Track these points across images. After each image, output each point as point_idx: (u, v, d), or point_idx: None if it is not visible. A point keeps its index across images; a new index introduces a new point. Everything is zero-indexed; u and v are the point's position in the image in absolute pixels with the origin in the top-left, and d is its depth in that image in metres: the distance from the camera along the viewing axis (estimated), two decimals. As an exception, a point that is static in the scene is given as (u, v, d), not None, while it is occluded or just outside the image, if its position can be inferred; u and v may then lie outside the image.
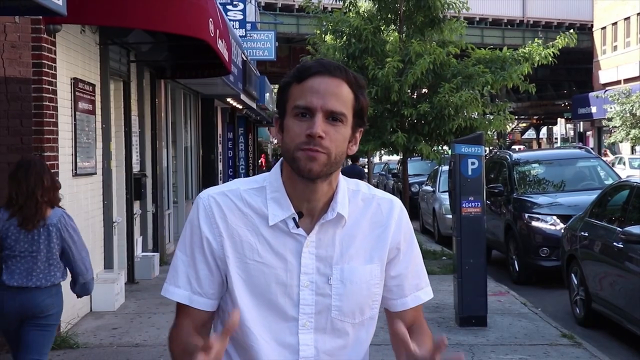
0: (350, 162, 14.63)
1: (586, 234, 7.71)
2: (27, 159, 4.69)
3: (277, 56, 25.53)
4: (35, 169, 4.41)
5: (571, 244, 8.08)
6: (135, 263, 9.71)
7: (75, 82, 7.52)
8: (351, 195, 1.74)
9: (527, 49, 11.51)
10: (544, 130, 66.81)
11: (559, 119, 45.00)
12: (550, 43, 11.52)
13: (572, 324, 7.74)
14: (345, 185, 1.75)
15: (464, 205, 7.35)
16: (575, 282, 7.88)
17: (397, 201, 1.82)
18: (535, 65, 11.39)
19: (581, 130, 41.99)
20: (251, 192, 1.72)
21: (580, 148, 13.62)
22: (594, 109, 36.38)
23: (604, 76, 37.63)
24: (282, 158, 1.71)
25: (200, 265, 1.72)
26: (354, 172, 17.29)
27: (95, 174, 8.25)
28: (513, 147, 48.77)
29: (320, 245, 1.70)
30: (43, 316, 4.35)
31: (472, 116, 11.19)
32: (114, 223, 8.90)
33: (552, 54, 11.28)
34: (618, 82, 34.57)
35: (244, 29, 21.80)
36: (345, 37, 11.65)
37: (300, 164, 1.62)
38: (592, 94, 36.78)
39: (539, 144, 63.16)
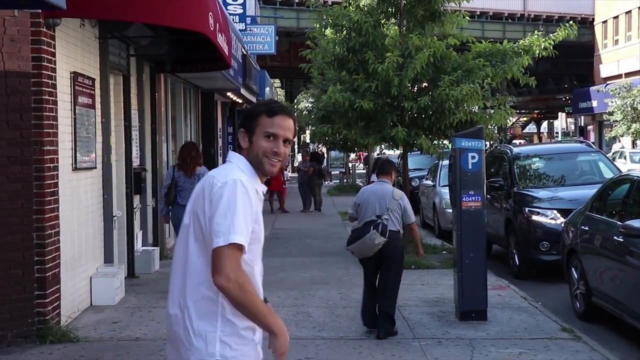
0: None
1: (586, 228, 7.70)
2: (185, 142, 10.92)
3: (277, 50, 25.48)
4: (188, 147, 9.52)
5: (571, 238, 8.07)
6: (135, 257, 9.70)
7: (75, 76, 7.50)
8: None
9: (527, 41, 11.47)
10: (544, 124, 66.75)
11: (559, 113, 44.91)
12: (550, 35, 11.47)
13: (572, 318, 7.74)
14: None
15: (464, 199, 7.34)
16: (576, 276, 7.88)
17: None
18: (536, 57, 11.35)
19: (582, 124, 41.92)
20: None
21: (581, 142, 13.58)
22: (595, 103, 36.31)
23: (605, 70, 37.56)
24: (235, 154, 2.83)
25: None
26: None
27: (95, 168, 8.24)
28: (514, 141, 48.71)
29: None
30: None
31: (473, 110, 11.15)
32: (114, 217, 8.89)
33: (552, 45, 11.23)
34: (619, 76, 34.51)
35: (243, 23, 21.72)
36: (345, 31, 11.61)
37: (266, 167, 2.80)
38: (593, 88, 36.70)
39: (540, 138, 63.10)
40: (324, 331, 6.96)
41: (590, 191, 9.84)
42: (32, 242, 6.51)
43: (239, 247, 2.58)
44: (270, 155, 2.76)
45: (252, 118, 2.80)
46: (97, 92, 8.39)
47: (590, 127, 40.29)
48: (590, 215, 7.82)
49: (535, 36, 11.48)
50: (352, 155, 33.08)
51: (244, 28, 21.51)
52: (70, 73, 7.42)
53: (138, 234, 10.17)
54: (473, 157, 7.37)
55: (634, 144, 32.57)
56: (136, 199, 10.16)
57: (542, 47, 11.26)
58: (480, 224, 7.41)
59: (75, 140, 7.46)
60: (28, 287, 6.50)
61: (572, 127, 50.77)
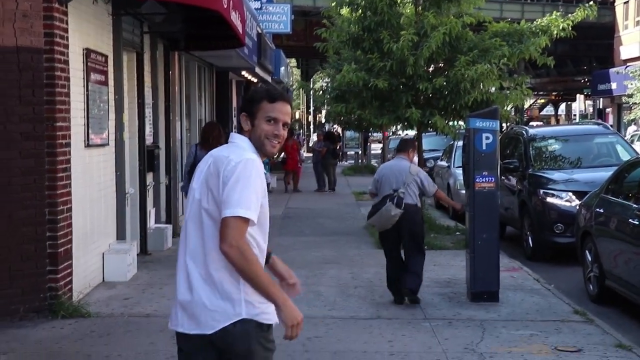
0: None
1: (601, 211, 7.61)
2: (207, 122, 11.94)
3: (293, 30, 25.29)
4: (210, 127, 9.59)
5: (586, 220, 7.98)
6: (148, 234, 9.73)
7: (88, 52, 7.48)
8: None
9: (545, 21, 11.31)
10: (562, 106, 66.12)
11: (577, 95, 44.42)
12: (569, 15, 11.30)
13: (585, 301, 7.67)
14: None
15: (477, 180, 7.27)
16: (589, 258, 7.80)
17: None
18: (554, 37, 11.20)
19: (600, 107, 41.43)
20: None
21: (598, 124, 13.40)
22: (614, 85, 35.81)
23: (625, 52, 36.99)
24: (238, 135, 3.04)
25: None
26: None
27: (108, 145, 8.25)
28: (531, 123, 48.27)
29: None
30: None
31: (489, 90, 11.01)
32: (127, 194, 8.91)
33: (570, 25, 11.07)
34: (639, 58, 33.98)
35: (259, 2, 21.63)
36: (360, 10, 11.50)
37: (267, 148, 3.02)
38: (612, 70, 36.19)
39: (557, 121, 62.56)
40: (334, 310, 6.95)
41: (606, 173, 9.69)
42: (45, 217, 6.54)
43: (245, 220, 2.81)
44: (272, 137, 3.01)
45: (254, 103, 3.03)
46: (110, 69, 8.37)
47: (608, 110, 39.81)
48: (606, 198, 7.72)
49: (554, 16, 11.32)
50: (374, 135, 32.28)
51: (259, 7, 21.42)
52: (83, 49, 7.39)
53: (151, 211, 10.20)
54: (487, 138, 7.29)
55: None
56: (149, 177, 10.18)
57: (561, 27, 11.10)
58: (494, 205, 7.34)
59: (87, 117, 7.46)
60: (40, 262, 6.53)
61: (591, 109, 50.22)
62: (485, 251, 7.26)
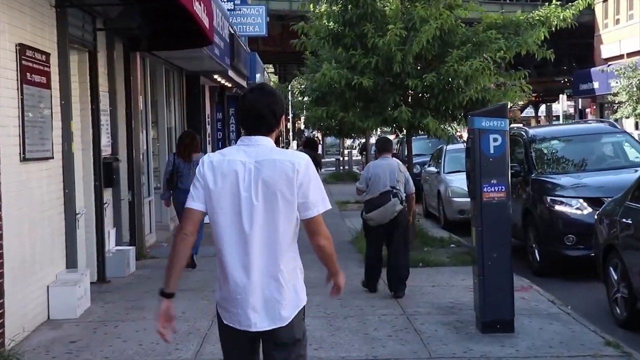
0: None
1: (629, 221, 6.52)
2: (183, 131, 12.05)
3: (269, 34, 24.28)
4: (183, 136, 10.01)
5: (608, 232, 6.93)
6: (106, 259, 8.54)
7: (22, 49, 6.32)
8: None
9: (542, 11, 10.34)
10: (542, 108, 65.69)
11: (561, 96, 43.79)
12: (571, 4, 10.34)
13: (611, 326, 6.60)
14: None
15: (485, 189, 6.20)
16: (615, 277, 6.73)
17: None
18: (553, 29, 10.23)
19: (580, 107, 40.82)
20: None
21: (604, 122, 12.41)
22: (596, 85, 35.18)
23: (606, 51, 36.40)
24: (263, 137, 3.23)
25: None
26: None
27: (52, 158, 7.07)
28: (512, 125, 47.57)
29: None
30: None
31: (485, 87, 9.94)
32: (78, 215, 7.73)
33: (572, 16, 10.12)
34: (621, 57, 33.35)
35: (232, 2, 20.57)
36: (341, 3, 10.44)
37: None
38: (595, 69, 35.55)
39: (538, 122, 62.15)
40: (321, 349, 5.81)
41: (617, 177, 8.79)
42: (-35, 249, 5.37)
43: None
44: None
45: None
46: (54, 69, 7.21)
47: (588, 110, 39.20)
48: (633, 206, 6.65)
49: (553, 5, 10.35)
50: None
51: (232, 8, 20.36)
52: (16, 45, 6.23)
53: (110, 232, 9.02)
54: (495, 140, 6.22)
55: (637, 126, 31.46)
56: (107, 193, 9.00)
57: (561, 17, 10.13)
58: (505, 218, 6.28)
59: (23, 125, 6.29)
60: (-40, 304, 5.36)
61: (572, 110, 49.72)
62: (497, 273, 6.18)
